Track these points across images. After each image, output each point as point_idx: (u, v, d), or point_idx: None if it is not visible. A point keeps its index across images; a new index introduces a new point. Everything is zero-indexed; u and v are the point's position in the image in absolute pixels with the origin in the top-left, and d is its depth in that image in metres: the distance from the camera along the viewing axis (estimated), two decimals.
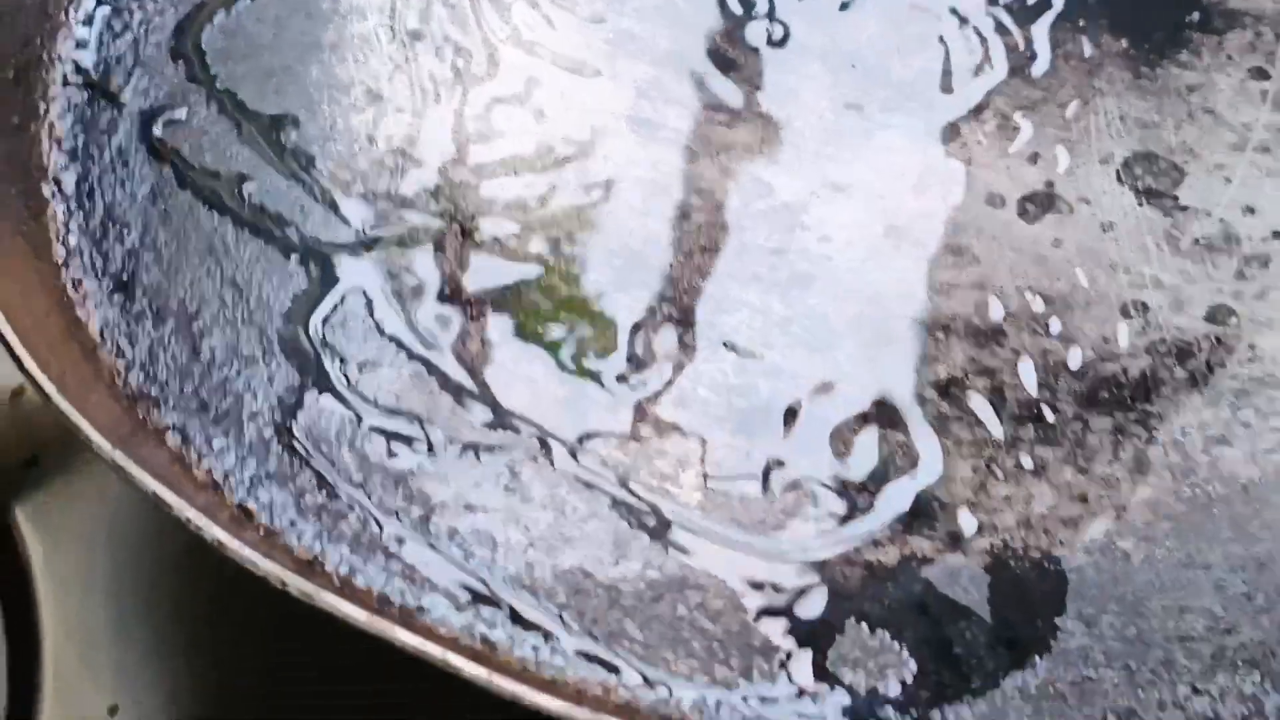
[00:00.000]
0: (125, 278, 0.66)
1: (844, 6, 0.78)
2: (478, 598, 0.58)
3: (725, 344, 0.66)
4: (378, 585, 0.58)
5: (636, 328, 0.67)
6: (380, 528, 0.59)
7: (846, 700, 0.56)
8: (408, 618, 0.57)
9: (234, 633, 0.68)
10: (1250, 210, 0.71)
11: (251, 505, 0.60)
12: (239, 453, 0.61)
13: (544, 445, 0.62)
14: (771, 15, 0.77)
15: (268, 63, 0.74)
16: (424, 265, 0.68)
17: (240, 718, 0.67)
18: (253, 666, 0.68)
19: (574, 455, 0.62)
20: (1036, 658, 0.58)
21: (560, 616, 0.58)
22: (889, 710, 0.56)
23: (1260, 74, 0.76)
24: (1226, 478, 0.63)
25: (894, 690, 0.57)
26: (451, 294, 0.67)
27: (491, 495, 0.61)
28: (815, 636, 0.58)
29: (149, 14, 0.75)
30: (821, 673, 0.57)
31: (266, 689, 0.67)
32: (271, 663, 0.67)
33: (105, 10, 0.75)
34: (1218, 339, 0.67)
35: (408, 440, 0.62)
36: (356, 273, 0.68)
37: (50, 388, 0.58)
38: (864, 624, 0.58)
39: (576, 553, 0.59)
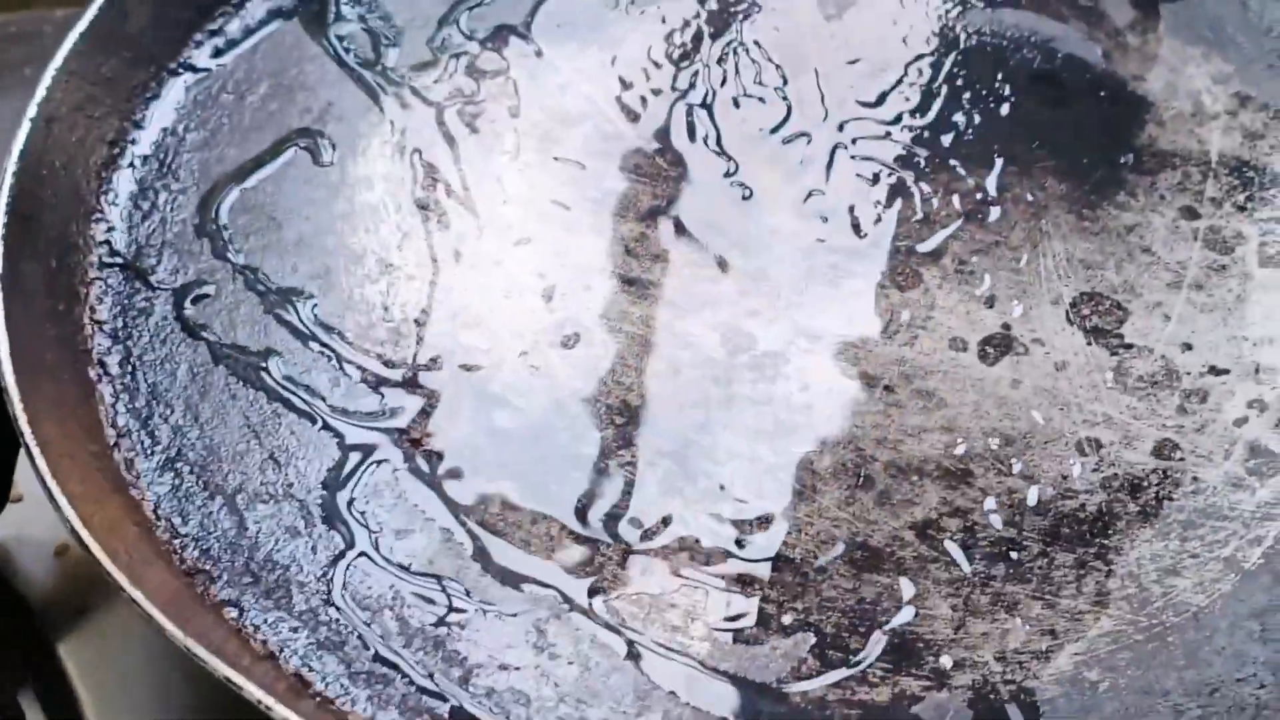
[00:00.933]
0: (173, 455, 0.72)
1: (803, 162, 0.84)
2: None
3: (721, 491, 0.73)
4: None
5: (632, 482, 0.73)
6: (424, 691, 0.66)
7: None
8: None
9: None
10: (1188, 346, 0.79)
11: (307, 674, 0.66)
12: (291, 624, 0.67)
13: (567, 601, 0.69)
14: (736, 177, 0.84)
15: (285, 236, 0.80)
16: (444, 430, 0.74)
17: None
18: None
19: (594, 611, 0.69)
20: None
21: None
22: None
23: (1191, 213, 0.83)
24: (1178, 606, 0.70)
25: None
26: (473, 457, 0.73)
27: (522, 654, 0.67)
28: None
29: (173, 193, 0.81)
30: None
31: None
32: None
33: (132, 189, 0.80)
34: (1165, 473, 0.74)
35: (444, 605, 0.68)
36: (383, 443, 0.73)
37: (121, 578, 0.64)
38: None
39: (603, 707, 0.66)
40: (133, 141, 0.81)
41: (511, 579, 0.70)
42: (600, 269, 0.81)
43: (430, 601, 0.69)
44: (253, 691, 0.61)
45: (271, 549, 0.70)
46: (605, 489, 0.73)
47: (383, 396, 0.75)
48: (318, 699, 0.65)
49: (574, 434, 0.75)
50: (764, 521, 0.72)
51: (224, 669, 0.62)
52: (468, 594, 0.69)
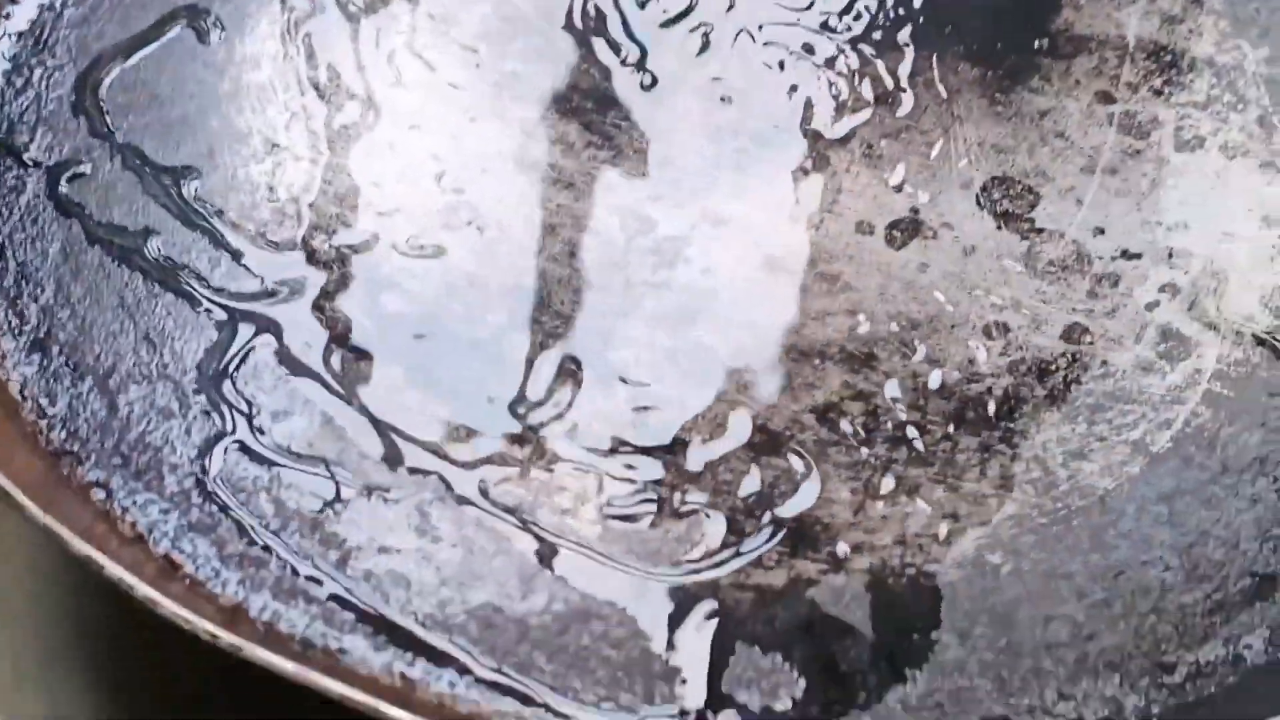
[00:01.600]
0: (41, 336, 0.69)
1: (704, 49, 0.82)
2: (395, 637, 0.61)
3: (619, 379, 0.70)
4: (300, 629, 0.61)
5: (530, 365, 0.70)
6: (299, 573, 0.63)
7: (739, 716, 0.61)
8: (330, 660, 0.60)
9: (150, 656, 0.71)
10: (1100, 231, 0.76)
11: (176, 556, 0.63)
12: (161, 505, 0.64)
13: (449, 485, 0.66)
14: (641, 65, 0.81)
15: (168, 115, 0.77)
16: (328, 311, 0.72)
17: None
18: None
19: (481, 494, 0.66)
20: (916, 671, 0.62)
21: (474, 651, 0.61)
22: None
23: (1106, 98, 0.81)
24: (1085, 490, 0.68)
25: (786, 707, 0.61)
26: (352, 341, 0.70)
27: (403, 537, 0.65)
28: (710, 659, 0.62)
29: (49, 69, 0.77)
30: (716, 694, 0.61)
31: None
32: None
33: (5, 66, 0.77)
34: (1073, 357, 0.72)
35: (321, 487, 0.65)
36: (264, 323, 0.71)
37: None
38: (755, 646, 0.63)
39: (486, 589, 0.63)
40: (7, 16, 0.78)
41: (395, 462, 0.67)
42: (497, 153, 0.78)
43: (308, 485, 0.66)
44: (114, 571, 0.59)
45: (144, 430, 0.67)
46: (497, 374, 0.70)
47: (264, 278, 0.72)
48: (187, 581, 0.62)
49: (466, 319, 0.72)
50: (660, 407, 0.69)
51: (85, 548, 0.59)
52: (348, 477, 0.66)
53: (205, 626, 0.58)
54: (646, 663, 0.62)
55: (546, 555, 0.65)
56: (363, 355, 0.70)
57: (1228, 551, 0.66)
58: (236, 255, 0.73)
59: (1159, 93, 0.81)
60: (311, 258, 0.73)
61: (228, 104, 0.78)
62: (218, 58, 0.79)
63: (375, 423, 0.68)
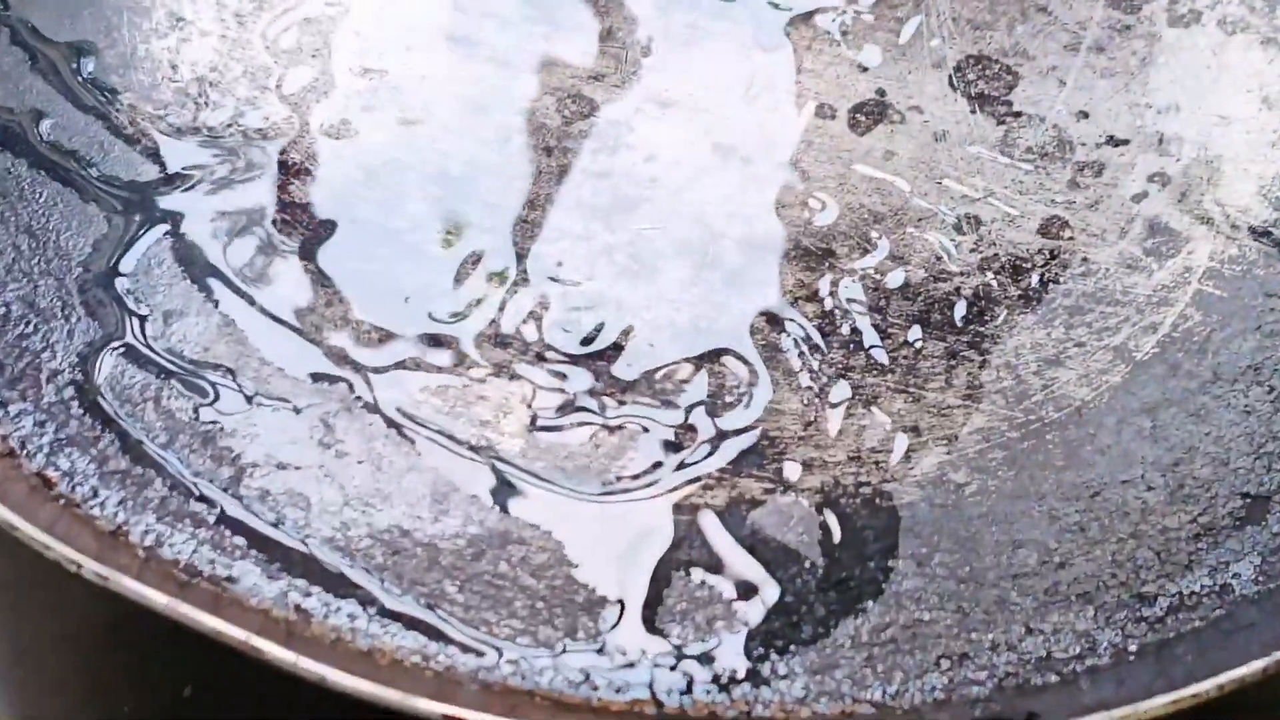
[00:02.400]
0: None
1: None
2: (291, 563, 0.56)
3: (550, 278, 0.64)
4: (185, 555, 0.55)
5: (452, 261, 0.64)
6: (188, 493, 0.57)
7: (673, 656, 0.55)
8: (216, 589, 0.54)
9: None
10: (1084, 115, 0.70)
11: (51, 473, 0.57)
12: (37, 416, 0.58)
13: (357, 394, 0.60)
14: None
15: None
16: (233, 201, 0.65)
17: None
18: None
19: (388, 404, 0.60)
20: (869, 602, 0.56)
21: (380, 579, 0.55)
22: (715, 665, 0.54)
23: None
24: (1060, 400, 0.61)
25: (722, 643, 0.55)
26: (264, 231, 0.64)
27: (305, 452, 0.59)
28: (642, 589, 0.56)
29: None
30: (649, 628, 0.55)
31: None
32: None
33: None
34: (1052, 253, 0.66)
35: (216, 396, 0.59)
36: (160, 215, 0.64)
37: None
38: (691, 573, 0.56)
39: (394, 510, 0.57)
40: None
41: (297, 368, 0.60)
42: (424, 26, 0.71)
43: (200, 393, 0.59)
44: None
45: (21, 333, 0.60)
46: (414, 270, 0.64)
47: (163, 165, 0.66)
48: (61, 501, 0.56)
49: (385, 207, 0.66)
50: (595, 306, 0.63)
51: None
52: (246, 385, 0.60)
53: (68, 554, 0.52)
54: (570, 593, 0.56)
55: (462, 471, 0.58)
56: (269, 250, 0.64)
57: (1216, 469, 0.59)
58: (132, 140, 0.66)
59: None
60: (216, 143, 0.66)
61: None
62: None
63: (278, 324, 0.61)
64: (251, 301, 0.62)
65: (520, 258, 0.64)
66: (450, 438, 0.59)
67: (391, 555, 0.56)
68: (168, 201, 0.65)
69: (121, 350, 0.61)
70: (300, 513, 0.57)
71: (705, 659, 0.54)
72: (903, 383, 0.62)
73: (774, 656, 0.55)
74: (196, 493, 0.57)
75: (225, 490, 0.57)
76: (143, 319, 0.61)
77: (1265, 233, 0.66)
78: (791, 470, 0.59)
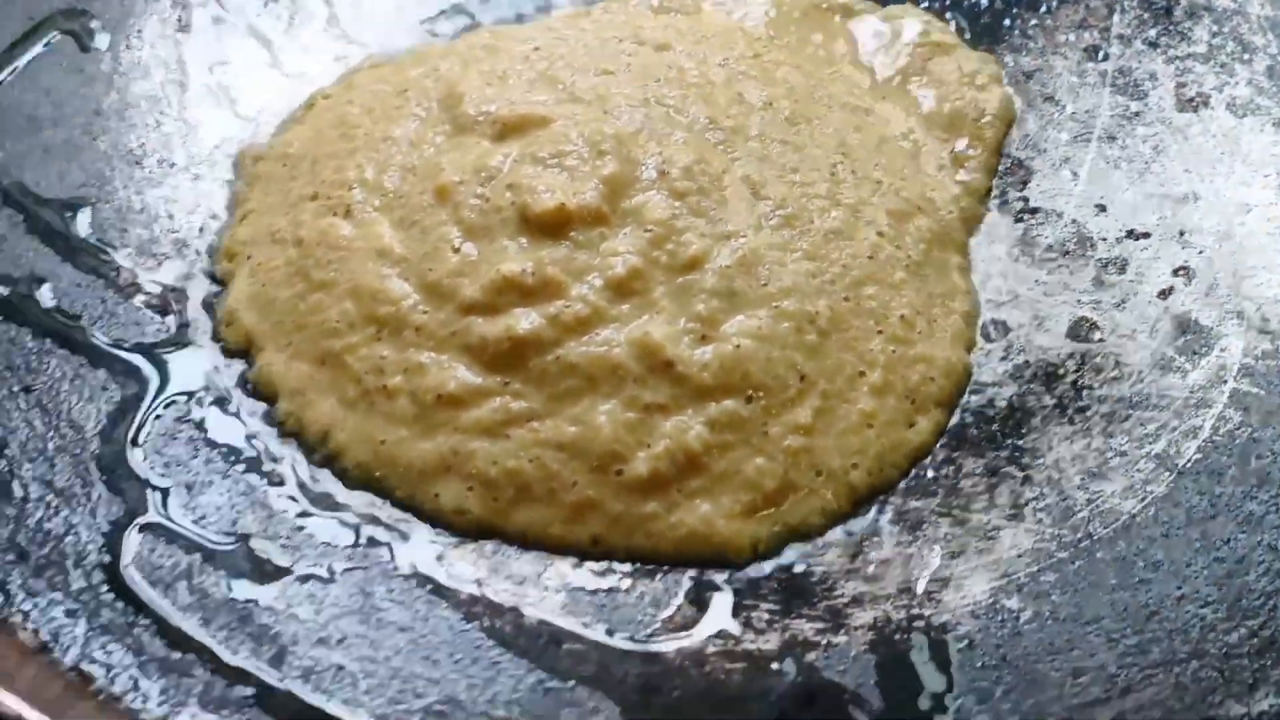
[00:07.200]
0: None
1: None
2: None
3: None
4: None
5: None
6: (230, 678, 0.55)
7: None
8: None
9: None
10: (1101, 209, 0.69)
11: (87, 666, 0.55)
12: (68, 605, 0.56)
13: (399, 562, 0.58)
14: None
15: (48, 139, 0.69)
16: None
17: None
18: None
19: (425, 570, 0.58)
20: None
21: None
22: None
23: (1096, 54, 0.73)
24: (1106, 515, 0.60)
25: None
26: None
27: (345, 623, 0.57)
28: None
29: None
30: None
31: None
32: None
33: None
34: (1083, 357, 0.65)
35: (251, 568, 0.58)
36: (173, 375, 0.63)
37: None
38: None
39: (442, 680, 0.56)
40: None
41: (332, 534, 0.59)
42: None
43: (234, 566, 0.58)
44: (8, 706, 0.51)
45: (42, 517, 0.59)
46: None
47: (178, 318, 0.64)
48: (100, 696, 0.54)
49: None
50: None
51: None
52: (279, 553, 0.58)
53: None
54: None
55: (509, 633, 0.57)
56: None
57: (1273, 578, 0.58)
58: (136, 296, 0.64)
59: (1154, 44, 0.74)
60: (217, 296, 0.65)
61: (116, 120, 0.69)
62: (102, 68, 0.71)
63: (305, 493, 0.60)
64: (270, 466, 0.61)
65: None
66: (489, 598, 0.58)
67: None
68: (177, 359, 0.63)
69: (148, 526, 0.59)
70: (348, 689, 0.55)
71: None
72: (945, 505, 0.61)
73: None
74: (240, 675, 0.55)
75: (269, 671, 0.55)
76: (166, 491, 0.60)
77: None
78: (842, 606, 0.58)
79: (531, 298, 0.62)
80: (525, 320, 0.61)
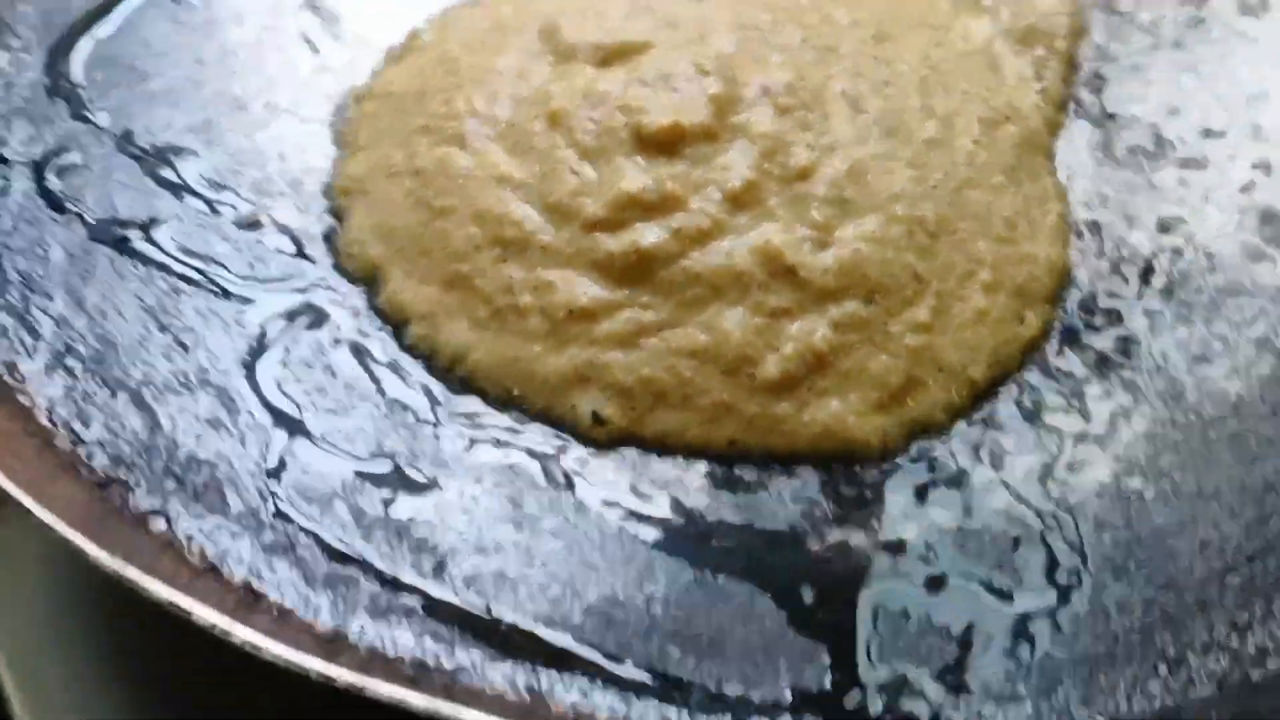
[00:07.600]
0: (60, 351, 0.62)
1: None
2: (511, 647, 0.56)
3: None
4: (409, 651, 0.55)
5: None
6: (396, 587, 0.57)
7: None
8: (447, 680, 0.55)
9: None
10: (1175, 111, 0.71)
11: (257, 584, 0.57)
12: (230, 529, 0.58)
13: (546, 471, 0.60)
14: None
15: (153, 88, 0.70)
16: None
17: None
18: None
19: (571, 478, 0.60)
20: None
21: (601, 650, 0.56)
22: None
23: None
24: (1215, 397, 0.63)
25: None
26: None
27: (500, 533, 0.59)
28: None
29: (14, 51, 0.70)
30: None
31: None
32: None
33: None
34: (1175, 251, 0.67)
35: (402, 485, 0.59)
36: (301, 309, 0.64)
37: (23, 496, 0.55)
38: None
39: (602, 582, 0.57)
40: None
41: (479, 450, 0.61)
42: None
43: (386, 483, 0.59)
44: (203, 615, 0.52)
45: (193, 446, 0.60)
46: None
47: (299, 250, 0.65)
48: (275, 612, 0.56)
49: None
50: None
51: (163, 590, 0.53)
52: (427, 469, 0.60)
53: (314, 667, 0.52)
54: (783, 637, 0.56)
55: (656, 534, 0.59)
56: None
57: None
58: (257, 232, 0.66)
59: None
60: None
61: (217, 68, 0.71)
62: (197, 18, 0.72)
63: (444, 412, 0.62)
64: (411, 386, 0.62)
65: None
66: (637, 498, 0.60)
67: (608, 626, 0.56)
68: (306, 295, 0.65)
69: (297, 450, 0.60)
70: (509, 594, 0.57)
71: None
72: (1061, 395, 0.63)
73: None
74: (406, 585, 0.57)
75: (431, 580, 0.57)
76: (311, 415, 0.61)
77: None
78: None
79: (653, 212, 0.64)
80: (649, 234, 0.63)
